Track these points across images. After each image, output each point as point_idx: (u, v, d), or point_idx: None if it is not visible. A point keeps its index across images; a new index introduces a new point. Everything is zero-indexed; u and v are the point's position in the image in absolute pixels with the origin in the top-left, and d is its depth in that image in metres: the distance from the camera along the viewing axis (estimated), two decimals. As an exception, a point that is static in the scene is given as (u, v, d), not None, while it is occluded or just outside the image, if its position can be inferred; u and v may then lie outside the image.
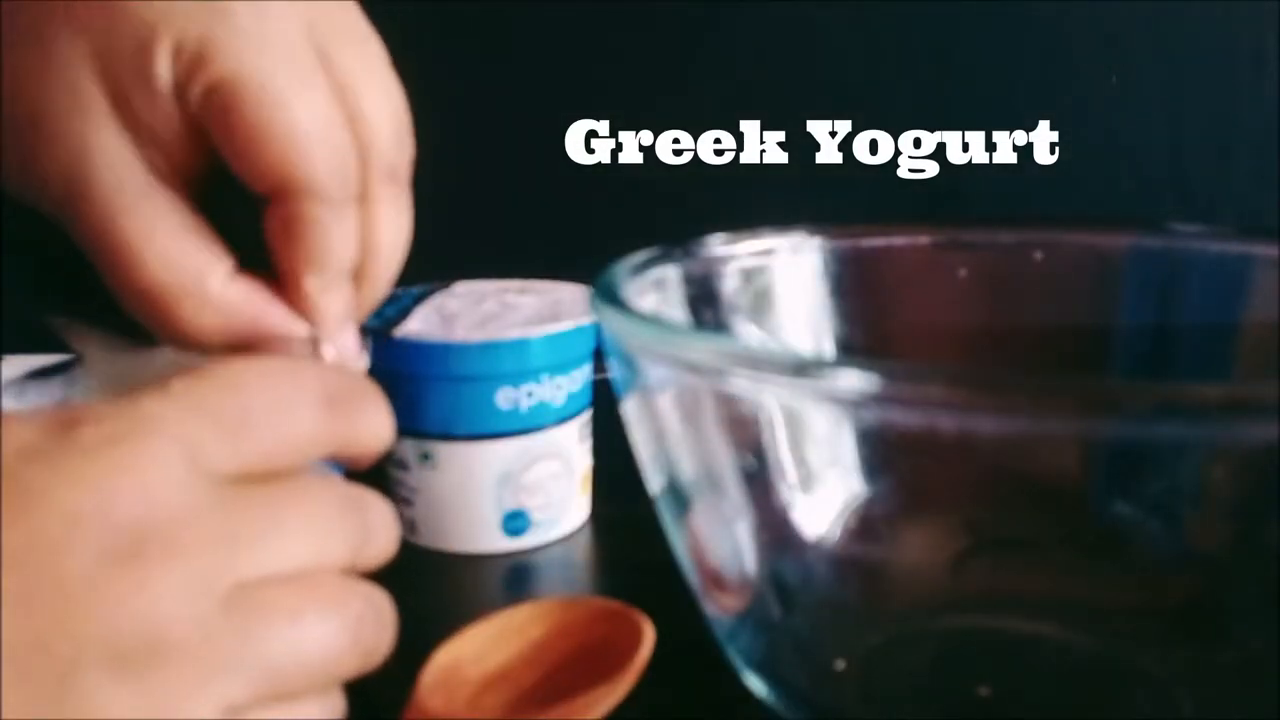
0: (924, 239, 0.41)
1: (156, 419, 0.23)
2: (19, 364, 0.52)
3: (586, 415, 0.45)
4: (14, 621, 0.21)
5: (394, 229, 0.33)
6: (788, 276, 0.39)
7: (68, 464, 0.22)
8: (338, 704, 0.26)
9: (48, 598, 0.22)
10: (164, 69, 0.27)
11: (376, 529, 0.27)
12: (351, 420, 0.27)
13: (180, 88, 0.27)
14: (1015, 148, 0.68)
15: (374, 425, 0.27)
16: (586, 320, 0.43)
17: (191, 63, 0.27)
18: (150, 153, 0.28)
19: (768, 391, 0.28)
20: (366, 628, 0.25)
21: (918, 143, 0.69)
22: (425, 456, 0.42)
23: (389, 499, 0.28)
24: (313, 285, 0.30)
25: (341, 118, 0.30)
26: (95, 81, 0.27)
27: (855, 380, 0.23)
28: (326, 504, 0.26)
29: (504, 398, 0.42)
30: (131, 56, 0.27)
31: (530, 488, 0.43)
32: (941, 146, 0.69)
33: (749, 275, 0.38)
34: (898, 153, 0.69)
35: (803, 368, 0.24)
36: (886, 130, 0.69)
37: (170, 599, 0.22)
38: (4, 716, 0.21)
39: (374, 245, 0.32)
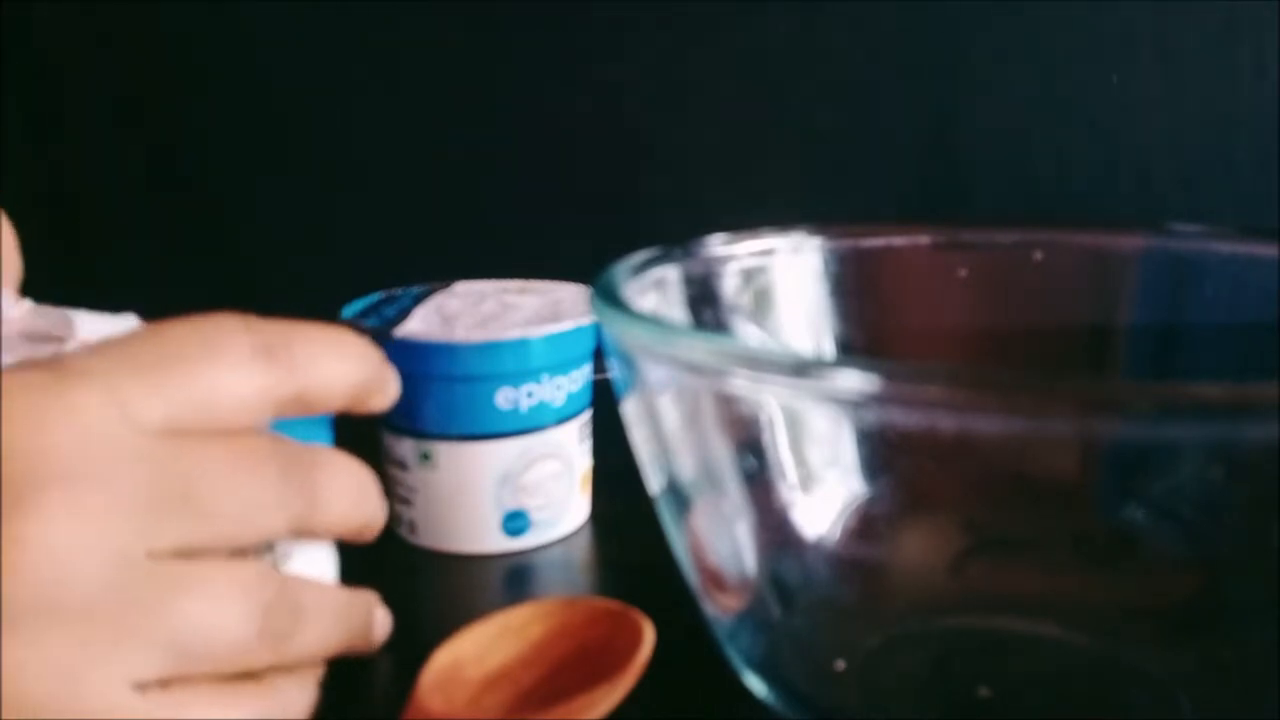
0: (924, 239, 0.41)
1: (81, 369, 0.23)
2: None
3: (586, 415, 0.45)
4: None
5: None
6: (788, 276, 0.39)
7: None
8: (290, 704, 0.26)
9: None
10: None
11: (330, 495, 0.26)
12: (292, 368, 0.26)
13: None
14: (1016, 147, 0.68)
15: (324, 370, 0.27)
16: (586, 320, 0.43)
17: None
18: None
19: (768, 391, 0.28)
20: (276, 619, 0.25)
21: (917, 142, 0.69)
22: (425, 456, 0.42)
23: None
24: None
25: None
26: None
27: (855, 380, 0.23)
28: (264, 467, 0.25)
29: (504, 398, 0.42)
30: None
31: (530, 488, 0.43)
32: (941, 146, 0.69)
33: (749, 275, 0.38)
34: (898, 152, 0.69)
35: (803, 368, 0.24)
36: (886, 129, 0.69)
37: (71, 557, 0.22)
38: None
39: None
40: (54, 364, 0.23)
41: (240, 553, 0.25)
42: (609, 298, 0.29)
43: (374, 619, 0.30)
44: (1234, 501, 0.30)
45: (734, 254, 0.38)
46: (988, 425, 0.23)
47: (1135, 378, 0.39)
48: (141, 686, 0.23)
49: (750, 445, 0.31)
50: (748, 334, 0.38)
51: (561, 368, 0.43)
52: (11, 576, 0.21)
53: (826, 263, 0.40)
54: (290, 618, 0.25)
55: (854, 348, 0.39)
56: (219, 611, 0.24)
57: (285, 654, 0.25)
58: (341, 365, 0.28)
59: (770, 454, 0.32)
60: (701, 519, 0.31)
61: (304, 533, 0.26)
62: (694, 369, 0.27)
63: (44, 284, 0.39)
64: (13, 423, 0.22)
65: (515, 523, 0.43)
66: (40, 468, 0.22)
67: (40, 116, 0.66)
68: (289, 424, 0.28)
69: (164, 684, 0.23)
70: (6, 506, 0.21)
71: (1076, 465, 0.31)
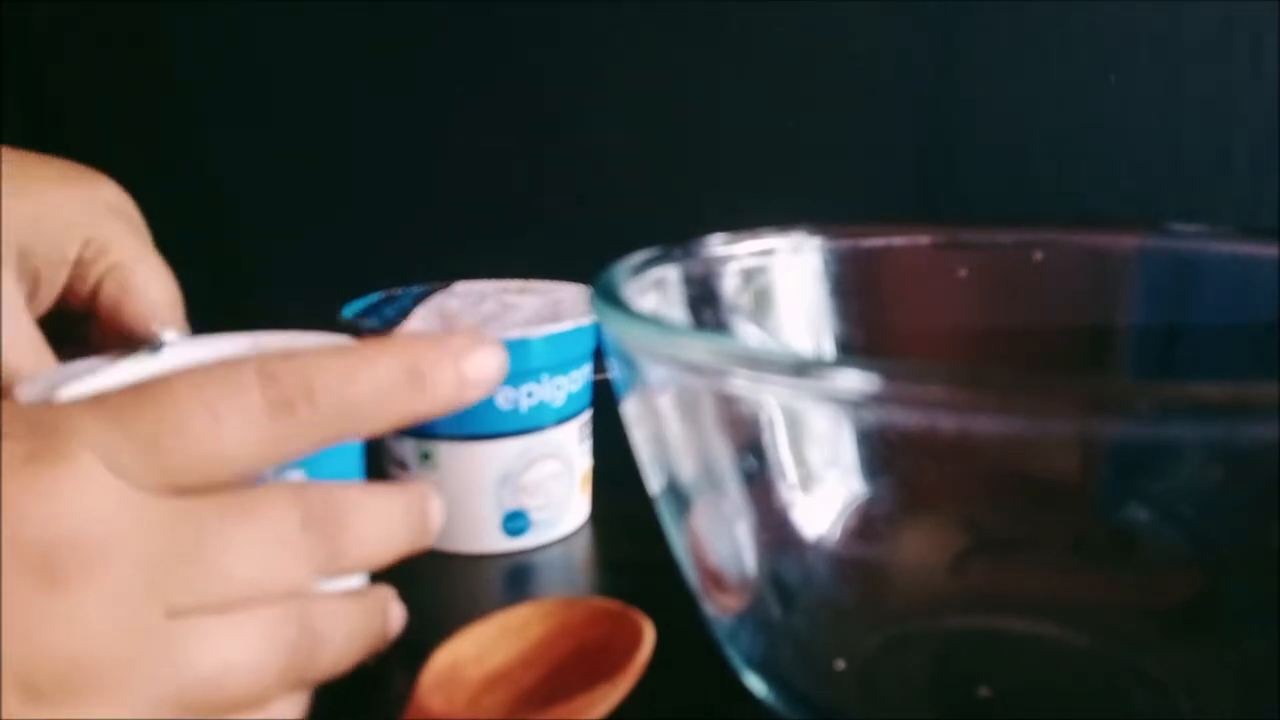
0: (924, 239, 0.41)
1: (76, 434, 0.22)
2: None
3: (586, 415, 0.45)
4: None
5: None
6: (788, 276, 0.39)
7: None
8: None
9: None
10: (73, 253, 0.40)
11: (358, 536, 0.26)
12: (313, 416, 0.25)
13: (83, 266, 0.40)
14: (1016, 147, 0.68)
15: (355, 408, 0.25)
16: (586, 320, 0.43)
17: (98, 250, 0.40)
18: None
19: (768, 391, 0.28)
20: (298, 655, 0.24)
21: (917, 142, 0.69)
22: (425, 456, 0.42)
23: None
24: None
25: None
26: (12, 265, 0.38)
27: (855, 380, 0.23)
28: (280, 522, 0.24)
29: (504, 398, 0.42)
30: (50, 247, 0.39)
31: (530, 488, 0.43)
32: (941, 146, 0.69)
33: (749, 275, 0.38)
34: (898, 152, 0.69)
35: (803, 368, 0.24)
36: (886, 129, 0.69)
37: (96, 623, 0.21)
38: None
39: None
40: (47, 430, 0.22)
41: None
42: (609, 298, 0.29)
43: (389, 619, 0.29)
44: (1234, 501, 0.30)
45: (734, 254, 0.38)
46: (988, 425, 0.23)
47: (1135, 378, 0.39)
48: None
49: (750, 445, 0.31)
50: (748, 334, 0.38)
51: (561, 368, 0.43)
52: (42, 654, 0.21)
53: (826, 263, 0.39)
54: (311, 650, 0.25)
55: (854, 348, 0.39)
56: (241, 660, 0.23)
57: (304, 683, 0.25)
58: (374, 399, 0.26)
59: (770, 454, 0.32)
60: (701, 519, 0.31)
61: (333, 576, 0.26)
62: (694, 369, 0.27)
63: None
64: (22, 501, 0.21)
65: (515, 523, 0.43)
66: (56, 544, 0.21)
67: (40, 116, 0.66)
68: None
69: None
70: (32, 587, 0.21)
71: (1077, 465, 0.31)
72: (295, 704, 0.26)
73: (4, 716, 0.21)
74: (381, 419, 0.26)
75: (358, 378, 0.25)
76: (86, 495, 0.22)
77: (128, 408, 0.23)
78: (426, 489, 0.29)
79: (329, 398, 0.25)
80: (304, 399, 0.24)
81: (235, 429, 0.24)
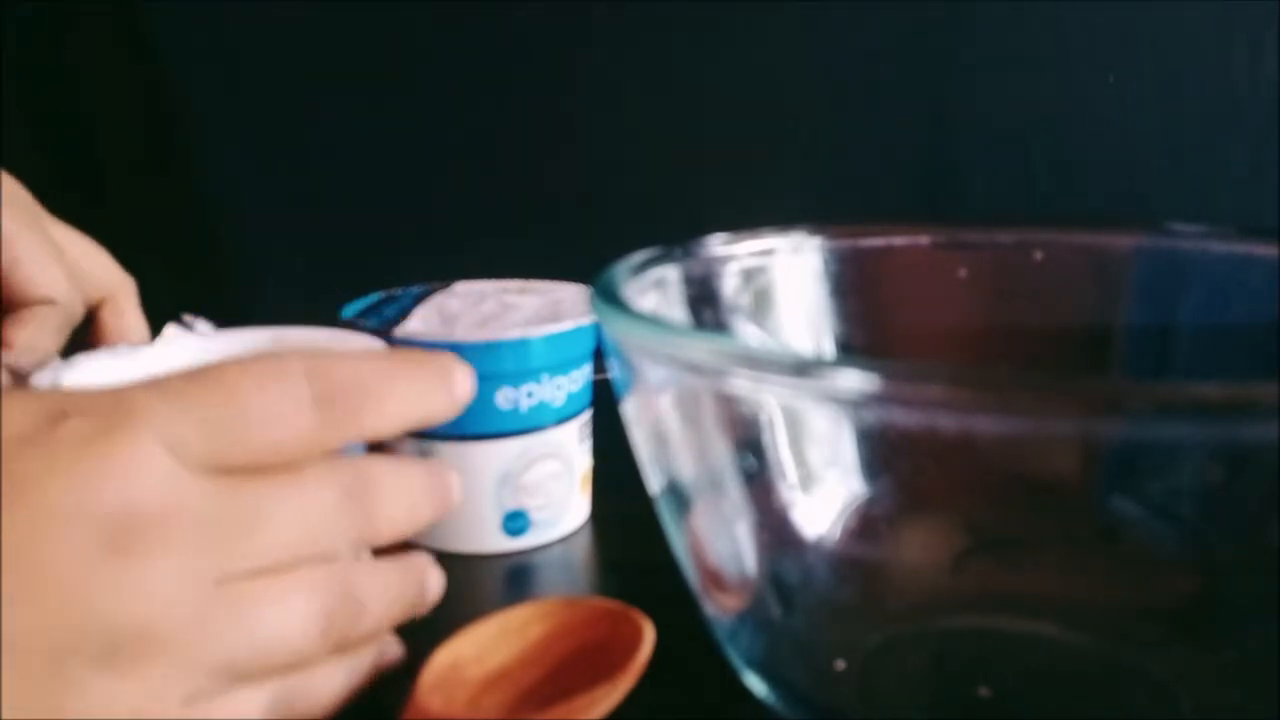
0: (924, 239, 0.41)
1: (142, 413, 0.24)
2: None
3: (586, 415, 0.45)
4: (9, 613, 0.22)
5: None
6: (788, 276, 0.39)
7: (55, 457, 0.23)
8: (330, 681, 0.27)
9: (41, 590, 0.22)
10: None
11: (388, 509, 0.27)
12: (357, 416, 0.27)
13: None
14: (1015, 147, 0.68)
15: (392, 413, 0.27)
16: (586, 320, 0.43)
17: None
18: None
19: (768, 391, 0.28)
20: (339, 619, 0.26)
21: (917, 142, 0.69)
22: (425, 456, 0.42)
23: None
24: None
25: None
26: None
27: (855, 380, 0.23)
28: (321, 496, 0.26)
29: (504, 398, 0.42)
30: None
31: (530, 488, 0.43)
32: (941, 146, 0.69)
33: (749, 275, 0.38)
34: (898, 152, 0.69)
35: (803, 368, 0.24)
36: (886, 129, 0.69)
37: (161, 591, 0.23)
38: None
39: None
40: (112, 409, 0.24)
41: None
42: (609, 298, 0.29)
43: (427, 585, 0.30)
44: (1233, 501, 0.30)
45: (734, 254, 0.38)
46: (988, 425, 0.23)
47: (1135, 377, 0.39)
48: (196, 697, 0.24)
49: (750, 445, 0.31)
50: (748, 334, 0.38)
51: (561, 368, 0.43)
52: (107, 619, 0.22)
53: (826, 263, 0.40)
54: (352, 614, 0.26)
55: (854, 348, 0.39)
56: (286, 624, 0.25)
57: (345, 646, 0.27)
58: (411, 405, 0.28)
59: (770, 454, 0.32)
60: (701, 519, 0.31)
61: (367, 544, 0.27)
62: (694, 369, 0.27)
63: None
64: (90, 475, 0.23)
65: (515, 523, 0.43)
66: (120, 515, 0.23)
67: (40, 118, 0.66)
68: None
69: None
70: (97, 555, 0.22)
71: (1076, 465, 0.31)
72: (346, 672, 0.28)
73: (74, 682, 0.22)
74: (406, 421, 0.28)
75: (398, 377, 0.28)
76: (149, 471, 0.23)
77: (188, 392, 0.25)
78: (443, 464, 0.31)
79: (373, 393, 0.27)
80: (346, 397, 0.26)
81: (290, 421, 0.25)
